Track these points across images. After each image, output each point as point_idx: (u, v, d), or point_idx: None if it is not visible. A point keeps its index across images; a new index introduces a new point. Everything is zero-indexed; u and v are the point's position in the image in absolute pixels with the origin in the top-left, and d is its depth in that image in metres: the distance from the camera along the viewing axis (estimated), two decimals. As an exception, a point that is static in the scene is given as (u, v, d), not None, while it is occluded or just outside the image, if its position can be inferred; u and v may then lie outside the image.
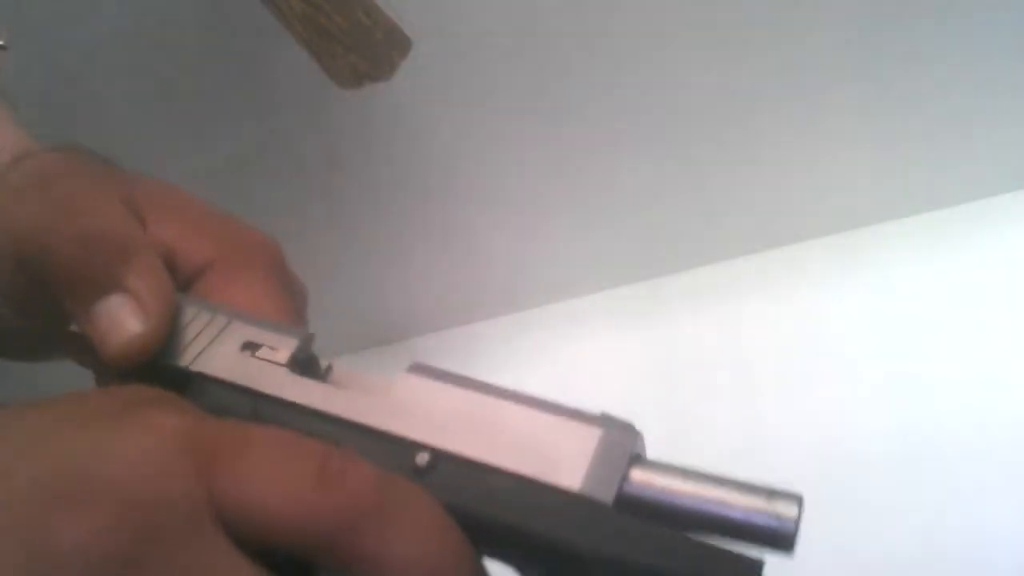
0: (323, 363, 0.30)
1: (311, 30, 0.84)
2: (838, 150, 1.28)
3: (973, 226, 1.40)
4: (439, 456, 0.26)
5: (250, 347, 0.29)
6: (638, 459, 0.29)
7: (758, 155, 1.28)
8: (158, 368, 0.28)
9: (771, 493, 0.27)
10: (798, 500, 0.27)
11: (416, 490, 0.23)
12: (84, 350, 0.29)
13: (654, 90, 1.16)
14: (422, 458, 0.26)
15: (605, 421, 0.30)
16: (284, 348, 0.29)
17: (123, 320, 0.27)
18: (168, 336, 0.28)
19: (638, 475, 0.28)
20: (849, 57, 1.13)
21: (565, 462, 0.26)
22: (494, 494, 0.26)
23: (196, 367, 0.29)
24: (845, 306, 1.43)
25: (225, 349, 0.30)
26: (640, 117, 1.20)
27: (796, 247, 1.49)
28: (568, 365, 1.52)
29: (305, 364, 0.29)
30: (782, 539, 0.26)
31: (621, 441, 0.29)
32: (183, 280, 0.32)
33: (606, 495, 0.26)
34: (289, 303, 0.33)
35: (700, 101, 1.18)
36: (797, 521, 0.26)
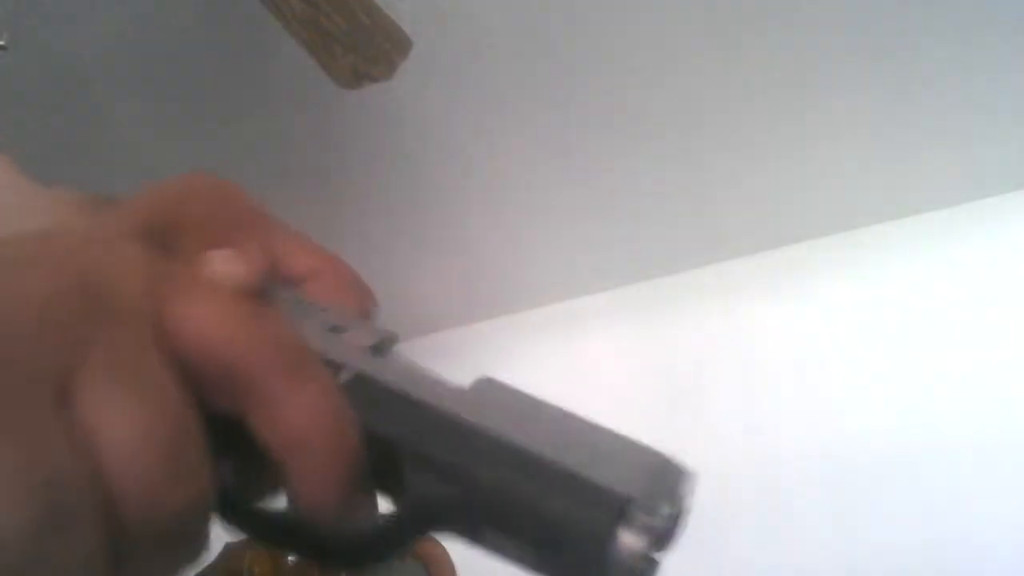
0: (407, 359, 0.31)
1: (311, 30, 0.84)
2: (838, 151, 1.28)
3: (973, 226, 1.40)
4: (361, 378, 0.28)
5: (336, 330, 0.31)
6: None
7: (758, 156, 1.28)
8: None
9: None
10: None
11: (328, 376, 0.24)
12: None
13: (655, 93, 1.16)
14: (345, 376, 0.28)
15: (666, 456, 0.30)
16: (368, 337, 0.30)
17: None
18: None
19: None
20: (850, 61, 1.13)
21: (621, 471, 0.27)
22: (398, 416, 0.27)
23: None
24: (845, 305, 1.43)
25: (312, 325, 0.32)
26: (641, 119, 1.20)
27: (796, 247, 1.49)
28: (568, 365, 1.53)
29: (386, 354, 0.30)
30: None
31: (675, 473, 0.30)
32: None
33: (659, 510, 0.26)
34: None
35: (700, 105, 1.18)
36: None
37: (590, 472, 0.26)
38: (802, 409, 1.33)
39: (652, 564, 0.27)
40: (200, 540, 0.23)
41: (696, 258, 1.49)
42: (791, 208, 1.39)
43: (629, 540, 0.25)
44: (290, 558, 1.14)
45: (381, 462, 0.28)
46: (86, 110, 1.12)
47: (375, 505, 0.27)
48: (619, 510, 0.25)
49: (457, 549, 1.35)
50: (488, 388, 0.29)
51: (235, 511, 0.25)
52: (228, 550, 1.39)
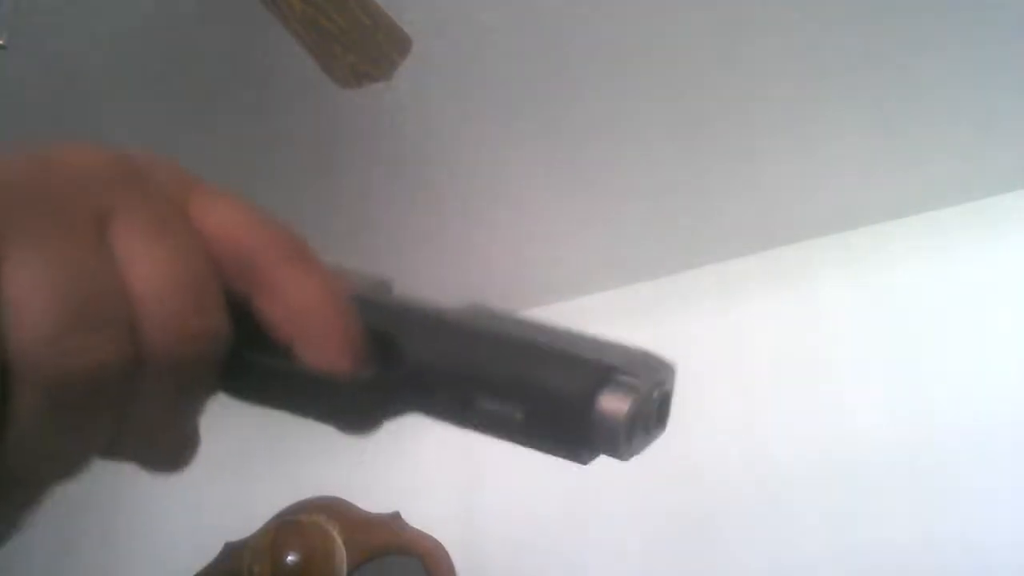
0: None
1: (311, 30, 0.84)
2: (839, 152, 1.28)
3: (973, 226, 1.40)
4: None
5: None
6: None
7: (758, 158, 1.28)
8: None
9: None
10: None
11: (329, 270, 0.27)
12: None
13: (656, 94, 1.16)
14: None
15: (648, 351, 0.32)
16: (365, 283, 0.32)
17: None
18: None
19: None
20: (850, 63, 1.13)
21: (604, 351, 0.28)
22: (392, 310, 0.28)
23: None
24: (845, 306, 1.43)
25: None
26: (641, 120, 1.20)
27: (796, 247, 1.49)
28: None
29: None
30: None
31: (658, 360, 0.31)
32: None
33: (644, 378, 0.28)
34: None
35: (701, 106, 1.18)
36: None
37: (577, 350, 0.28)
38: (801, 408, 1.33)
39: (639, 434, 0.28)
40: (207, 384, 0.25)
41: (696, 258, 1.49)
42: (791, 208, 1.39)
43: (612, 403, 0.26)
44: (290, 558, 1.15)
45: (381, 359, 0.29)
46: (86, 110, 1.12)
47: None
48: (601, 374, 0.26)
49: (457, 549, 1.35)
50: (481, 307, 0.31)
51: (241, 370, 0.27)
52: (228, 550, 1.39)
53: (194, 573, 1.39)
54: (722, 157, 1.27)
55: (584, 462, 0.28)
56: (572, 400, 0.26)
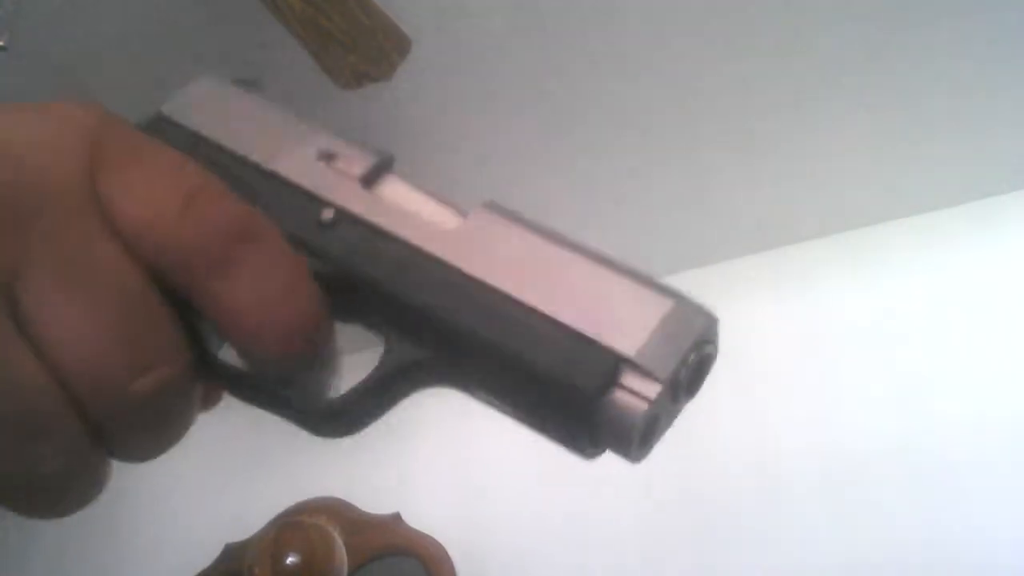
0: (404, 187, 0.30)
1: (311, 31, 0.84)
2: (839, 152, 1.28)
3: (973, 226, 1.40)
4: (343, 216, 0.27)
5: (327, 157, 0.30)
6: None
7: (758, 157, 1.28)
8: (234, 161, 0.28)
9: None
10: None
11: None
12: None
13: (655, 93, 1.16)
14: (327, 214, 0.27)
15: (680, 298, 0.28)
16: (361, 163, 0.29)
17: None
18: None
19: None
20: (850, 61, 1.13)
21: (622, 325, 0.24)
22: (382, 259, 0.26)
23: (271, 166, 0.29)
24: (845, 306, 1.43)
25: (303, 153, 0.30)
26: (641, 119, 1.20)
27: (796, 247, 1.49)
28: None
29: (378, 183, 0.29)
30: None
31: (690, 320, 0.26)
32: None
33: (663, 370, 0.24)
34: None
35: (700, 104, 1.18)
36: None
37: (583, 325, 0.24)
38: (802, 409, 1.33)
39: (657, 420, 0.25)
40: (189, 410, 0.23)
41: (696, 258, 1.49)
42: (791, 208, 1.39)
43: (624, 401, 0.23)
44: (290, 559, 1.14)
45: (363, 303, 0.26)
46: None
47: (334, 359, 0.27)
48: (611, 370, 0.23)
49: (457, 550, 1.35)
50: (487, 222, 0.28)
51: (216, 371, 0.25)
52: (228, 551, 1.39)
53: (194, 574, 1.39)
54: (722, 157, 1.27)
55: (588, 458, 0.25)
56: (577, 400, 0.23)
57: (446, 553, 1.36)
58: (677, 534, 1.28)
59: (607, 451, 0.25)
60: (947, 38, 1.11)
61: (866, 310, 1.37)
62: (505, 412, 0.27)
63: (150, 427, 0.22)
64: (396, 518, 1.39)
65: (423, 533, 1.36)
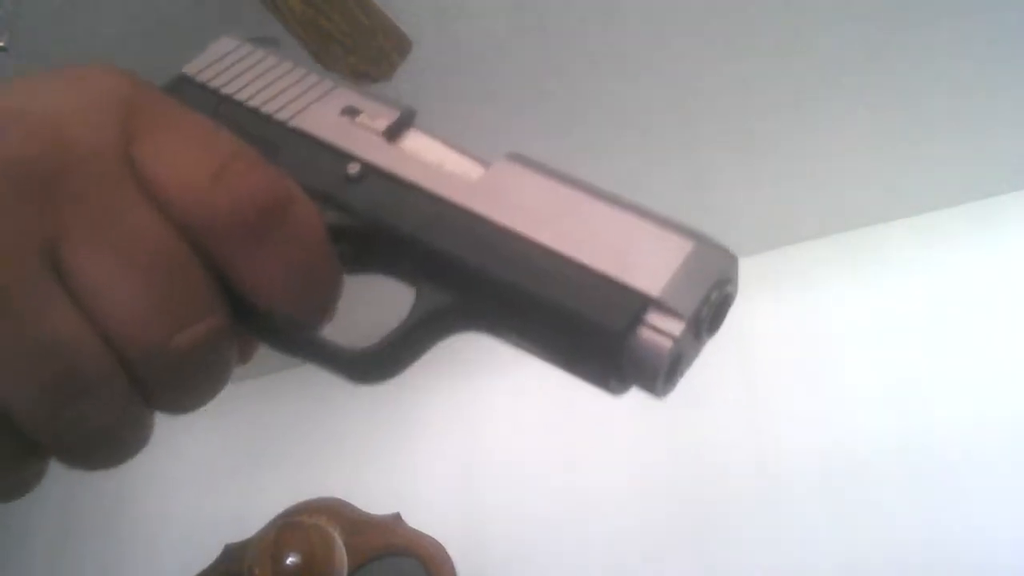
0: (427, 139, 0.31)
1: (311, 31, 0.84)
2: (839, 152, 1.28)
3: (973, 226, 1.40)
4: (369, 169, 0.27)
5: (351, 112, 0.30)
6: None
7: (759, 157, 1.28)
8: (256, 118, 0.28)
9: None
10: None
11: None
12: None
13: (655, 93, 1.16)
14: (353, 168, 0.27)
15: (701, 238, 0.28)
16: (384, 117, 0.30)
17: None
18: None
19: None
20: (851, 63, 1.13)
21: (646, 266, 0.25)
22: (409, 210, 0.26)
23: (295, 123, 0.29)
24: (846, 306, 1.43)
25: (326, 110, 0.30)
26: (641, 119, 1.20)
27: (797, 247, 1.49)
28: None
29: (401, 136, 0.30)
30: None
31: (711, 260, 0.27)
32: None
33: (685, 309, 0.25)
34: None
35: (700, 104, 1.18)
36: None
37: (608, 267, 0.25)
38: (802, 408, 1.33)
39: (681, 356, 0.25)
40: (227, 364, 0.24)
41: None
42: (791, 208, 1.39)
43: (650, 339, 0.24)
44: (290, 559, 1.14)
45: (392, 254, 0.27)
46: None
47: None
48: (636, 309, 0.24)
49: (458, 550, 1.35)
50: (510, 171, 0.28)
51: (251, 325, 0.25)
52: (228, 551, 1.39)
53: (194, 574, 1.39)
54: (723, 158, 1.27)
55: (615, 394, 0.26)
56: (604, 342, 0.24)
57: (446, 553, 1.36)
58: (677, 534, 1.28)
59: (633, 387, 0.26)
60: (947, 38, 1.11)
61: (866, 310, 1.37)
62: (534, 353, 0.28)
63: (190, 380, 0.23)
64: (396, 518, 1.40)
65: (423, 533, 1.36)
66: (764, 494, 1.28)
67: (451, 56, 1.08)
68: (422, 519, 1.37)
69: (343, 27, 0.84)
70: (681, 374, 0.26)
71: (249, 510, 1.40)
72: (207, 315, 0.22)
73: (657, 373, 0.24)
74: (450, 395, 1.48)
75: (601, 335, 0.24)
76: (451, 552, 1.35)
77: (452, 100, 1.16)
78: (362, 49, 0.85)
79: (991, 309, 1.30)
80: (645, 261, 0.25)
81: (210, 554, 1.40)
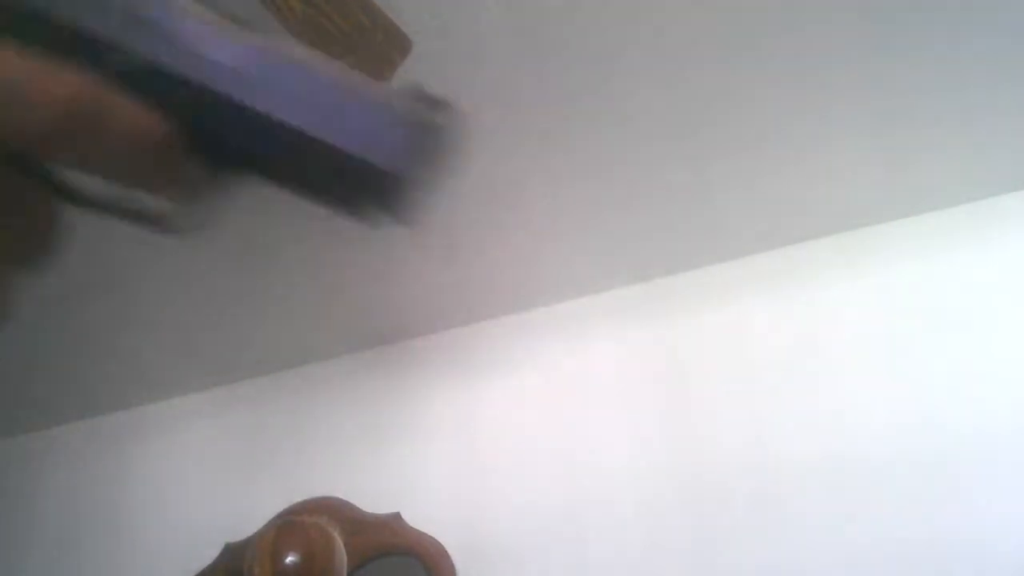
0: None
1: (311, 31, 0.84)
2: (839, 152, 1.28)
3: (973, 226, 1.40)
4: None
5: None
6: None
7: (759, 158, 1.28)
8: None
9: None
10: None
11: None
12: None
13: (656, 96, 1.16)
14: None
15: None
16: None
17: None
18: None
19: None
20: (851, 63, 1.13)
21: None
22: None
23: None
24: (846, 306, 1.43)
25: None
26: (642, 122, 1.20)
27: (797, 247, 1.49)
28: (569, 366, 1.53)
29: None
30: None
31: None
32: None
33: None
34: None
35: (702, 108, 1.18)
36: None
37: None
38: (802, 408, 1.33)
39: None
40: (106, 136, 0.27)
41: (696, 258, 1.49)
42: (791, 208, 1.39)
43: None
44: (290, 558, 1.14)
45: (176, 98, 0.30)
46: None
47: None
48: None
49: (458, 549, 1.35)
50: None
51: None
52: (228, 550, 1.39)
53: (194, 574, 1.39)
54: (723, 159, 1.27)
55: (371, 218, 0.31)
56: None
57: (446, 553, 1.36)
58: (676, 534, 1.28)
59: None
60: (947, 38, 1.11)
61: (866, 310, 1.37)
62: (296, 190, 0.32)
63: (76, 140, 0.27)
64: (396, 518, 1.40)
65: (423, 533, 1.36)
66: (763, 493, 1.28)
67: (451, 56, 1.08)
68: (422, 519, 1.37)
69: (343, 27, 0.84)
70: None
71: (249, 509, 1.40)
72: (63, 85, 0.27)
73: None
74: (450, 395, 1.48)
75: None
76: (451, 552, 1.35)
77: (452, 100, 1.16)
78: (362, 49, 0.85)
79: (991, 309, 1.30)
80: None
81: (211, 553, 1.40)
